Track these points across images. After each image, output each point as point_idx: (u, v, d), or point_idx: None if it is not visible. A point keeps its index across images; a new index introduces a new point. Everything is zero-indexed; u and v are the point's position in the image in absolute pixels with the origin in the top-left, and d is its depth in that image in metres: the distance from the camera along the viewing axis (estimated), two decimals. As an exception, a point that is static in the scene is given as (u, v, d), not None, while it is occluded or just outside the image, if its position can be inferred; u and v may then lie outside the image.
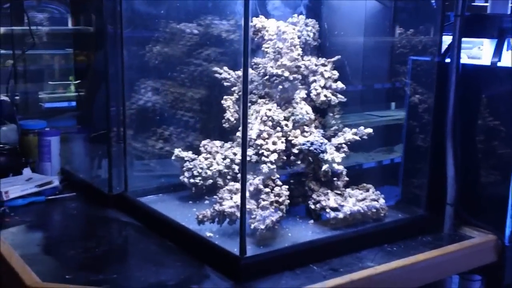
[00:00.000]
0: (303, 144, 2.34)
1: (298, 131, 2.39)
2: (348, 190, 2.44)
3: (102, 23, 2.58)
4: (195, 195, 2.60)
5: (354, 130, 2.47)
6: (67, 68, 4.31)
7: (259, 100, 2.47)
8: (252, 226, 2.16)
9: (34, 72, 4.30)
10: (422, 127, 2.56)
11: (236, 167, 2.49)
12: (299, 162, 2.38)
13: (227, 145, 2.66)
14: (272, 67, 2.38)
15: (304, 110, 2.40)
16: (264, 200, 2.24)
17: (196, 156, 2.61)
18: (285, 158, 2.37)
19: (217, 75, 2.65)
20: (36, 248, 2.18)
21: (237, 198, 2.24)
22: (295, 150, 2.37)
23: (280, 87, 2.38)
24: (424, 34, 2.61)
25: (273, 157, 2.30)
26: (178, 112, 2.98)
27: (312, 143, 2.34)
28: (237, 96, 2.62)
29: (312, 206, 2.37)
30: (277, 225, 2.20)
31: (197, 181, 2.55)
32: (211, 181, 2.56)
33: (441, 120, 2.42)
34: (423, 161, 2.52)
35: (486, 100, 2.40)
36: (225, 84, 2.64)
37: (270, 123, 2.35)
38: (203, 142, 2.66)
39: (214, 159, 2.59)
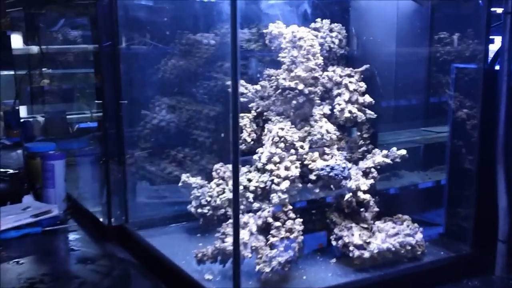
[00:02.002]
0: (322, 169, 1.99)
1: (316, 154, 2.03)
2: (378, 223, 2.06)
3: (98, 38, 2.31)
4: (204, 227, 2.27)
5: (385, 152, 2.09)
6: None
7: (274, 118, 2.13)
8: (257, 268, 1.82)
9: (66, 91, 4.14)
10: (470, 146, 2.15)
11: (251, 196, 2.14)
12: (317, 191, 2.01)
13: (244, 169, 2.32)
14: (284, 79, 2.04)
15: (324, 129, 2.05)
16: (273, 236, 1.90)
17: (206, 182, 2.29)
18: (300, 185, 2.02)
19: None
20: (10, 290, 1.91)
21: (244, 233, 1.90)
22: (312, 176, 2.01)
23: (294, 102, 2.04)
24: (472, 38, 2.20)
25: (285, 185, 1.95)
26: (193, 132, 2.68)
27: (332, 168, 1.98)
28: (255, 114, 2.29)
29: (334, 243, 2.00)
30: (288, 266, 1.85)
31: (205, 211, 2.23)
32: (223, 210, 2.23)
33: (490, 138, 2.01)
34: (471, 187, 2.11)
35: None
36: (242, 100, 2.30)
37: (282, 145, 2.00)
38: (216, 166, 2.33)
39: (227, 185, 2.26)
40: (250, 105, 2.29)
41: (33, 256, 2.21)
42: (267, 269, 1.79)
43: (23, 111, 3.83)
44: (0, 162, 2.75)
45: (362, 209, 2.06)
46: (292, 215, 1.95)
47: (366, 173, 2.09)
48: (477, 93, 2.05)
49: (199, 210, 2.25)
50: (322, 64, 2.11)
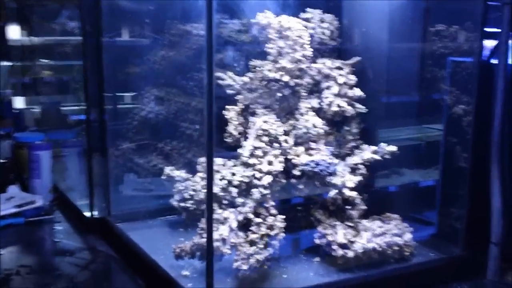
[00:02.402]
0: (306, 164, 1.91)
1: (301, 149, 1.96)
2: (365, 221, 1.98)
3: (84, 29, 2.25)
4: (187, 221, 2.20)
5: (374, 148, 2.01)
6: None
7: (259, 111, 2.05)
8: (235, 265, 1.75)
9: (63, 83, 4.09)
10: (465, 144, 2.06)
11: (234, 190, 2.06)
12: (301, 186, 1.94)
13: (230, 163, 2.24)
14: (270, 70, 1.96)
15: (310, 123, 1.96)
16: (253, 232, 1.83)
17: (190, 176, 2.22)
18: (284, 181, 1.94)
19: (219, 81, 2.24)
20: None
21: (224, 229, 1.83)
22: (296, 172, 1.94)
23: (279, 94, 1.96)
24: (468, 31, 2.11)
25: (267, 180, 1.87)
26: (181, 124, 2.61)
27: (317, 163, 1.90)
28: (243, 107, 2.21)
29: (317, 241, 1.92)
30: (267, 264, 1.78)
31: (188, 205, 2.16)
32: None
33: (485, 135, 1.92)
34: (465, 187, 2.02)
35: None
36: (228, 91, 2.23)
37: (266, 138, 1.93)
38: (201, 159, 2.25)
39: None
40: (237, 97, 2.21)
41: (13, 247, 2.15)
42: (245, 267, 1.72)
43: (19, 102, 3.79)
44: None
45: (348, 207, 1.98)
46: (273, 211, 1.87)
47: (353, 170, 2.00)
48: (473, 88, 1.96)
49: (182, 204, 2.18)
50: (311, 55, 2.03)
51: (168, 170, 2.23)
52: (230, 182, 2.07)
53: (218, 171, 2.16)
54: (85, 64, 2.24)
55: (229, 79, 2.22)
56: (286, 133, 1.97)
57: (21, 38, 3.84)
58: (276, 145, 1.94)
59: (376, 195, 2.15)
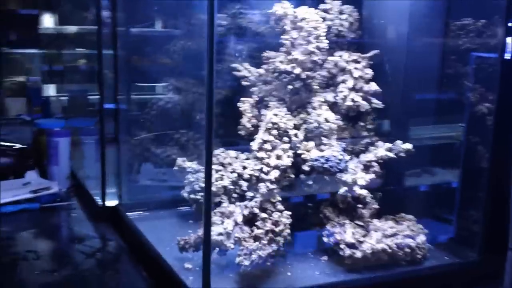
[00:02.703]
0: (316, 160, 1.85)
1: (311, 144, 1.90)
2: (376, 221, 1.91)
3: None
4: (197, 213, 2.16)
5: (388, 145, 1.93)
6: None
7: (271, 103, 2.00)
8: (237, 260, 1.71)
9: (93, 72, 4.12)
10: (487, 144, 1.96)
11: (244, 184, 2.02)
12: (310, 182, 1.88)
13: (243, 156, 2.20)
14: (282, 62, 1.91)
15: (322, 117, 1.90)
16: (258, 228, 1.78)
17: (202, 167, 2.18)
18: (292, 176, 1.89)
19: (235, 72, 2.20)
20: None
21: (228, 223, 1.80)
22: (305, 167, 1.88)
23: (290, 87, 1.90)
24: (492, 26, 2.01)
25: (274, 174, 1.82)
26: (198, 115, 2.58)
27: (327, 159, 1.85)
28: (257, 99, 2.17)
29: (325, 239, 1.87)
30: (270, 260, 1.73)
31: (199, 197, 2.13)
32: (218, 198, 2.12)
33: (506, 136, 1.83)
34: (484, 189, 1.93)
35: None
36: (244, 83, 2.19)
37: (275, 132, 1.87)
38: (216, 151, 2.21)
39: (226, 172, 2.15)
40: (252, 89, 2.17)
41: (25, 232, 2.16)
42: (246, 262, 1.67)
43: (49, 90, 3.83)
44: (11, 136, 2.73)
45: (359, 205, 1.91)
46: (280, 207, 1.83)
47: (366, 167, 1.94)
48: (495, 85, 1.87)
49: (192, 196, 2.15)
50: (326, 48, 1.96)
51: (180, 161, 2.21)
52: (240, 176, 2.04)
53: (230, 164, 2.14)
54: (99, 53, 2.23)
55: (244, 70, 2.18)
56: (297, 127, 1.91)
57: (54, 27, 3.88)
58: (285, 139, 1.88)
59: (392, 194, 2.08)
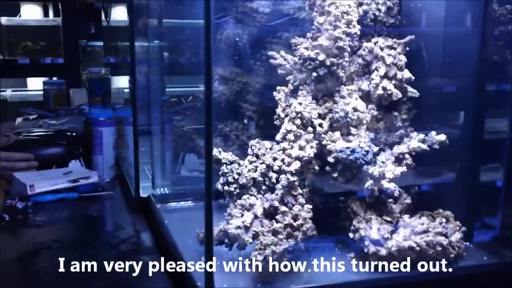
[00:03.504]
0: (341, 151, 1.76)
1: (337, 134, 1.80)
2: (406, 217, 1.79)
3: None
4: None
5: (422, 136, 1.81)
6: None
7: (300, 92, 1.92)
8: (252, 255, 1.65)
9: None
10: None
11: (274, 176, 1.95)
12: (335, 175, 1.79)
13: (277, 147, 2.14)
14: (307, 48, 1.82)
15: (350, 106, 1.81)
16: (277, 222, 1.72)
17: (237, 159, 2.13)
18: (317, 168, 1.81)
19: (272, 60, 2.14)
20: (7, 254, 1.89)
21: (247, 216, 1.74)
22: (330, 159, 1.79)
23: (314, 74, 1.81)
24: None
25: (295, 166, 1.75)
26: (243, 105, 2.53)
27: (353, 151, 1.75)
28: (292, 88, 2.09)
29: (351, 235, 1.77)
30: (287, 256, 1.66)
31: (232, 189, 2.08)
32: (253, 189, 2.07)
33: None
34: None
35: None
36: (280, 71, 2.12)
37: (298, 121, 1.80)
38: (252, 142, 2.15)
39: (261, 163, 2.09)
40: (287, 78, 2.09)
41: (56, 222, 2.19)
42: (260, 258, 1.61)
43: (113, 81, 3.89)
44: (66, 126, 2.79)
45: (390, 200, 1.80)
46: (301, 200, 1.75)
47: (400, 160, 1.82)
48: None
49: (226, 188, 2.10)
50: (358, 34, 1.86)
51: (215, 151, 2.16)
52: (269, 167, 1.97)
53: (264, 155, 2.07)
54: (131, 44, 2.23)
55: (280, 58, 2.11)
56: (322, 116, 1.82)
57: (118, 19, 3.94)
58: (309, 129, 1.80)
59: (431, 190, 1.95)
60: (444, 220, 1.79)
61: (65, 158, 2.59)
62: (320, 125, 1.80)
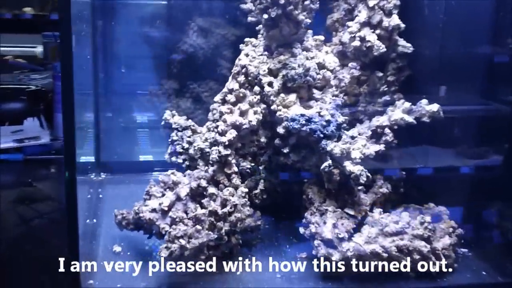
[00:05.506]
0: (293, 120, 1.32)
1: (292, 97, 1.36)
2: (377, 211, 1.35)
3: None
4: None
5: (408, 105, 1.35)
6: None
7: (248, 40, 1.49)
8: (159, 250, 1.26)
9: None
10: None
11: (222, 148, 1.52)
12: (286, 151, 1.36)
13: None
14: (259, -18, 1.38)
15: (313, 62, 1.36)
16: (202, 207, 1.31)
17: (192, 124, 1.73)
18: (263, 140, 1.38)
19: (242, 5, 1.70)
20: None
21: (168, 197, 1.35)
22: (280, 129, 1.36)
23: (265, 16, 1.37)
24: None
25: (230, 135, 1.33)
26: (220, 62, 2.11)
27: (309, 120, 1.31)
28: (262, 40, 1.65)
29: (301, 230, 1.34)
30: (206, 253, 1.26)
31: (180, 160, 1.68)
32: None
33: None
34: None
35: None
36: (250, 19, 1.68)
37: (242, 78, 1.37)
38: (213, 105, 1.73)
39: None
40: (257, 28, 1.66)
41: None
42: (164, 254, 1.21)
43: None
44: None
45: (360, 187, 1.36)
46: (236, 181, 1.33)
47: (378, 135, 1.37)
48: None
49: (173, 159, 1.71)
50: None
51: (167, 114, 1.77)
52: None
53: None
54: None
55: (250, 3, 1.67)
56: (274, 73, 1.38)
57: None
58: (256, 89, 1.37)
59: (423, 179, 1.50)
60: (428, 219, 1.33)
61: (21, 115, 2.25)
62: (270, 84, 1.36)
